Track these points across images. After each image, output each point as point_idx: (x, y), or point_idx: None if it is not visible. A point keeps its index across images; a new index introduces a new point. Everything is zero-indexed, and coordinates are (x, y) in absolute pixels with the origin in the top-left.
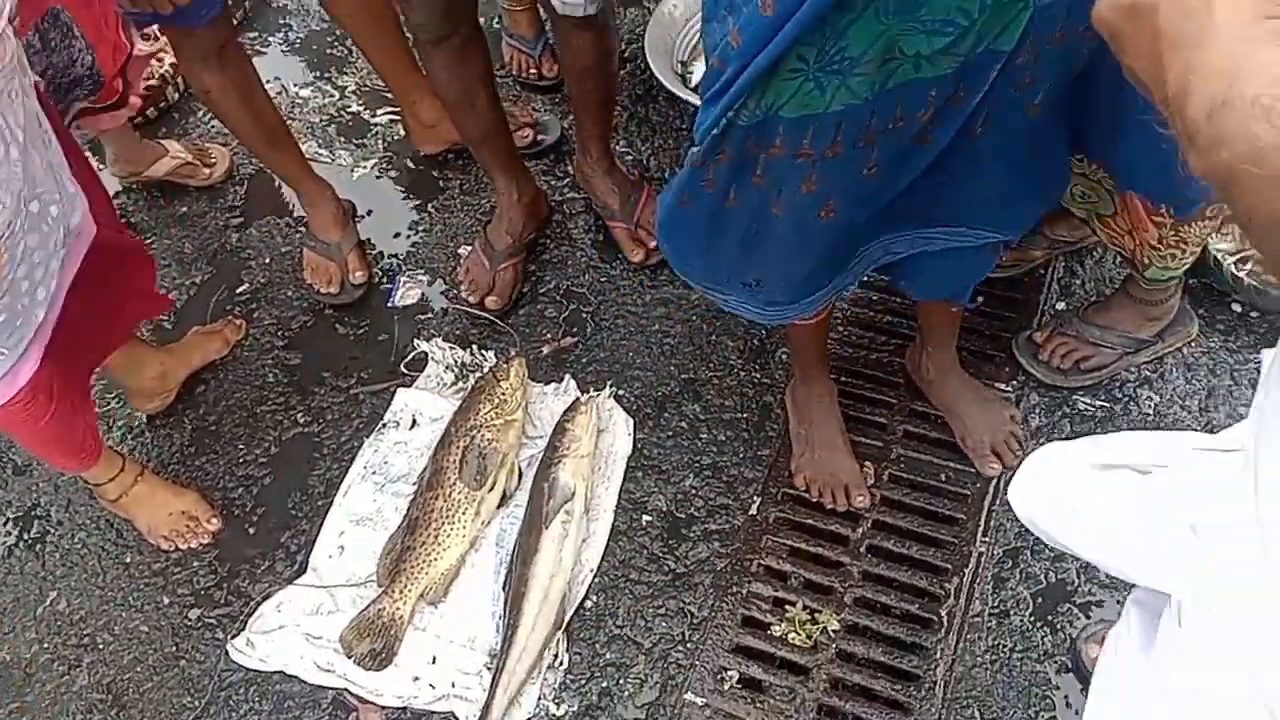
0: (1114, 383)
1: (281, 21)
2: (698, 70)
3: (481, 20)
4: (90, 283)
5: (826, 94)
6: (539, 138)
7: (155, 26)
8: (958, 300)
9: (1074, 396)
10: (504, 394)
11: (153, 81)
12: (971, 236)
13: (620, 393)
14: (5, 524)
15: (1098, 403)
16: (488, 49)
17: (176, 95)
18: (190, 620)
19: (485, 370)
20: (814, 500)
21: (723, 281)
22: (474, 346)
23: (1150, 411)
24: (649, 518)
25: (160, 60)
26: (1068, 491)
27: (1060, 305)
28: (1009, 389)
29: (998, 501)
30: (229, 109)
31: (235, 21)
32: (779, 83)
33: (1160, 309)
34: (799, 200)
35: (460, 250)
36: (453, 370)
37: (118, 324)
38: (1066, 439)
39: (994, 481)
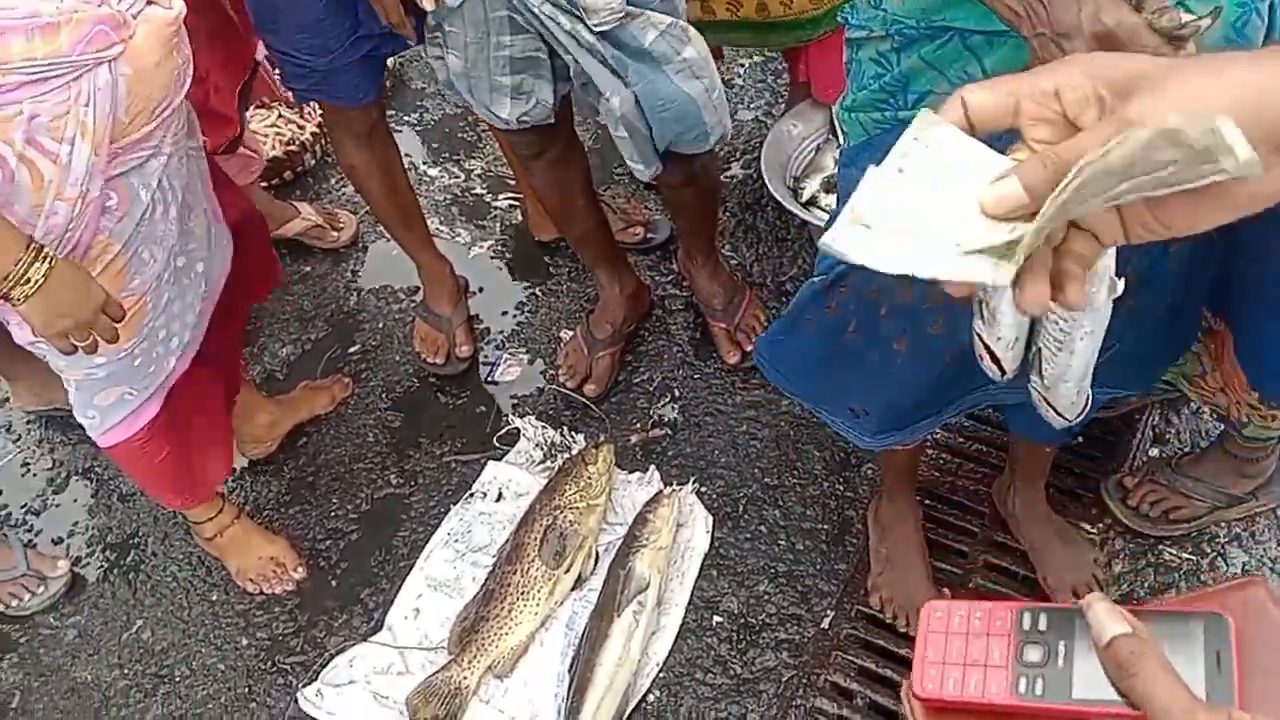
0: (1203, 536)
1: (418, 103)
2: (809, 186)
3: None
4: (220, 320)
5: None
6: (649, 236)
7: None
8: (1056, 441)
9: (1160, 546)
10: (590, 478)
11: (292, 148)
12: (1096, 392)
13: (702, 489)
14: (104, 549)
15: (1184, 555)
16: (585, 158)
17: (313, 161)
18: (265, 664)
19: (574, 452)
20: (888, 621)
21: (826, 404)
22: (565, 428)
23: (1238, 570)
24: (720, 618)
25: (302, 127)
26: None
27: (1154, 451)
28: (1094, 531)
29: None
30: (370, 186)
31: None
32: None
33: (1257, 467)
34: (926, 344)
35: (562, 334)
36: (542, 448)
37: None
38: (1150, 589)
39: None
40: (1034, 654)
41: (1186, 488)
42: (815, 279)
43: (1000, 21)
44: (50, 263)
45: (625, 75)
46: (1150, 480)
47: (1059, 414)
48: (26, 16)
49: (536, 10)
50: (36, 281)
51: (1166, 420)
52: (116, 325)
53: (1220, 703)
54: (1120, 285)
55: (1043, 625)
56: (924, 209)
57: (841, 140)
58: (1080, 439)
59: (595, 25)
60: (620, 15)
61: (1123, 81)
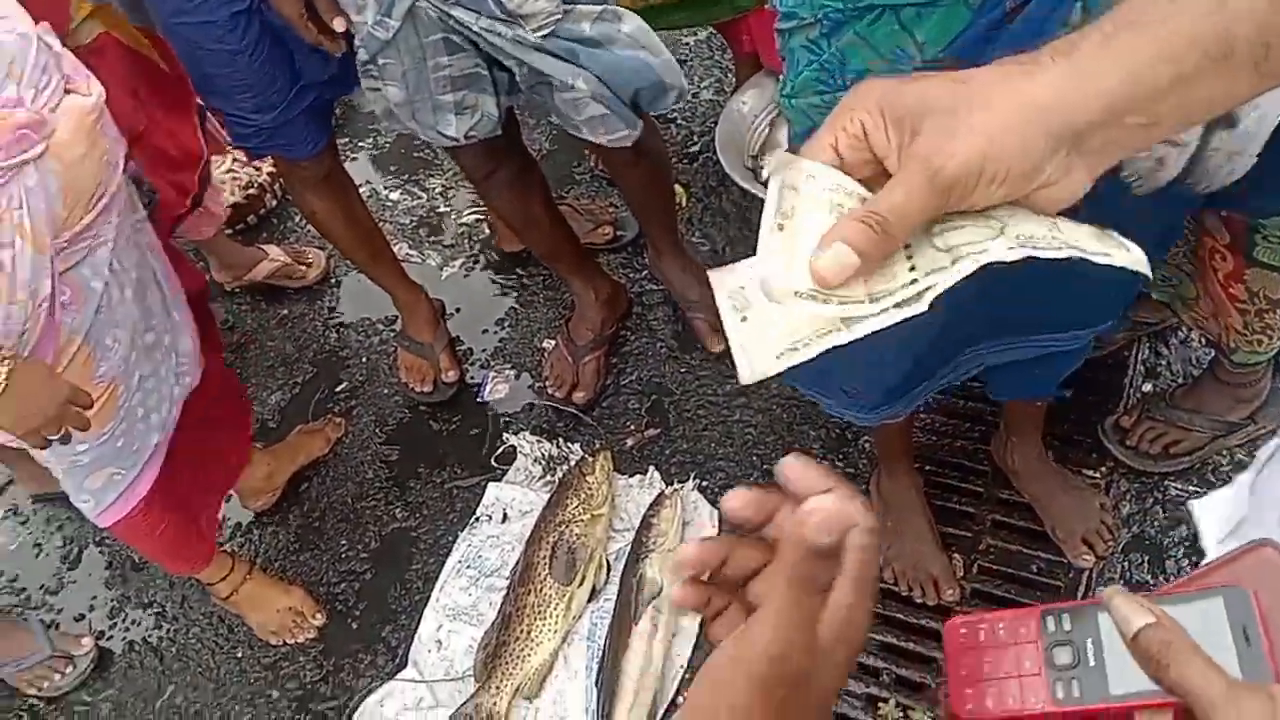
0: (1206, 466)
1: (370, 127)
2: (767, 162)
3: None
4: (204, 404)
5: None
6: (618, 234)
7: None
8: (1046, 396)
9: (1165, 482)
10: (590, 489)
11: (252, 191)
12: (1070, 339)
13: (704, 484)
14: (125, 620)
15: (1190, 488)
16: (539, 172)
17: (274, 202)
18: (299, 713)
19: (572, 464)
20: (903, 594)
21: (817, 387)
22: (560, 439)
23: None
24: None
25: (258, 169)
26: None
27: (1146, 388)
28: (1097, 475)
29: (1091, 593)
30: (333, 228)
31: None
32: None
33: (1250, 391)
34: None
35: (545, 344)
36: (540, 463)
37: (233, 450)
38: (1161, 527)
39: (1086, 573)
40: (1064, 656)
41: (1184, 420)
42: None
43: None
44: (9, 365)
45: (578, 60)
46: (1147, 417)
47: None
48: None
49: (475, 28)
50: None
51: (1156, 353)
52: (88, 413)
53: (1256, 678)
54: None
55: (1066, 626)
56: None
57: (788, 125)
58: (1069, 394)
59: (535, 30)
60: (557, 17)
61: (913, 111)
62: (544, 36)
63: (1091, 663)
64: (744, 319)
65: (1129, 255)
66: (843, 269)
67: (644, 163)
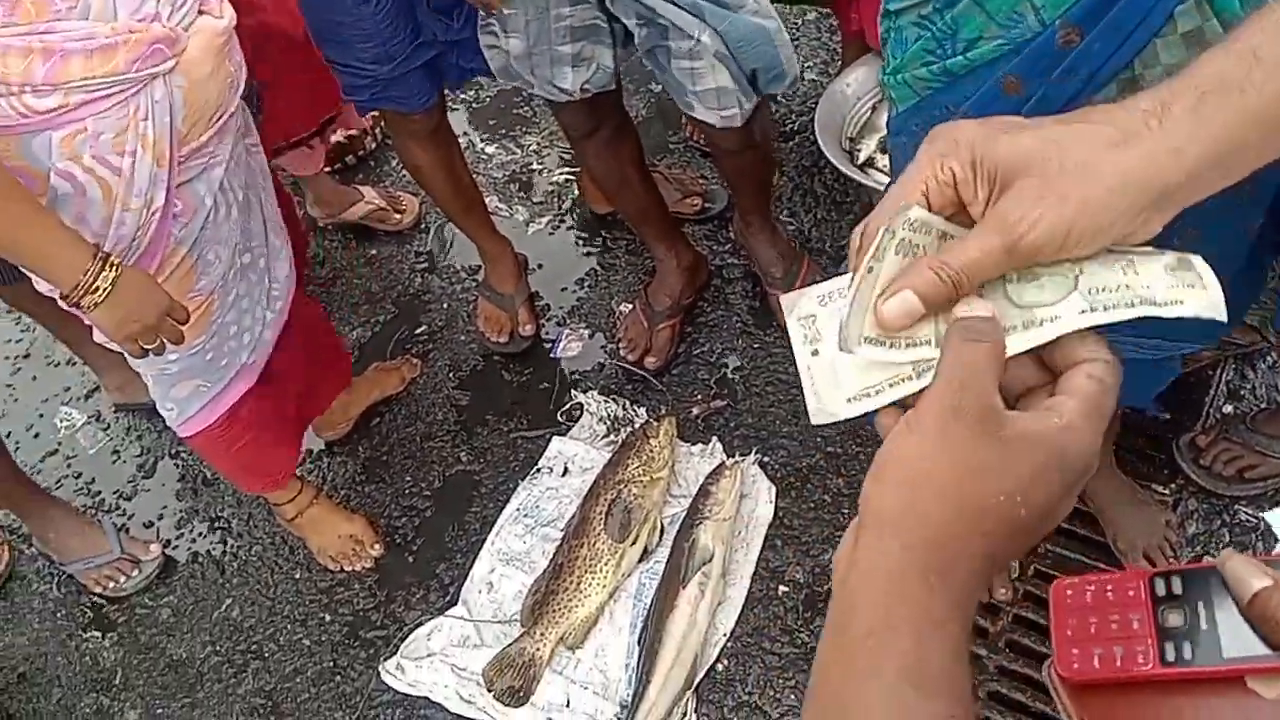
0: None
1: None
2: (865, 147)
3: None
4: (302, 331)
5: None
6: (706, 206)
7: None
8: (1126, 403)
9: (1235, 506)
10: (652, 451)
11: (353, 132)
12: (1168, 347)
13: (765, 460)
14: (191, 532)
15: (1260, 514)
16: (637, 135)
17: (374, 144)
18: (349, 639)
19: (636, 426)
20: None
21: None
22: (627, 402)
23: None
24: (785, 588)
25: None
26: None
27: (1227, 409)
28: (1166, 492)
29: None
30: (434, 182)
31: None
32: None
33: None
34: None
35: (621, 307)
36: (605, 423)
37: (323, 383)
38: (1224, 549)
39: None
40: (1175, 619)
41: (1262, 445)
42: None
43: None
44: (117, 270)
45: (704, 17)
46: (1224, 438)
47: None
48: (84, 38)
49: None
50: (104, 289)
51: (1241, 376)
52: (183, 327)
53: None
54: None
55: (1177, 588)
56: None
57: (889, 107)
58: (1152, 411)
59: None
60: None
61: (1005, 166)
62: None
63: (1204, 626)
64: (815, 352)
65: (1204, 299)
66: (906, 315)
67: (750, 152)
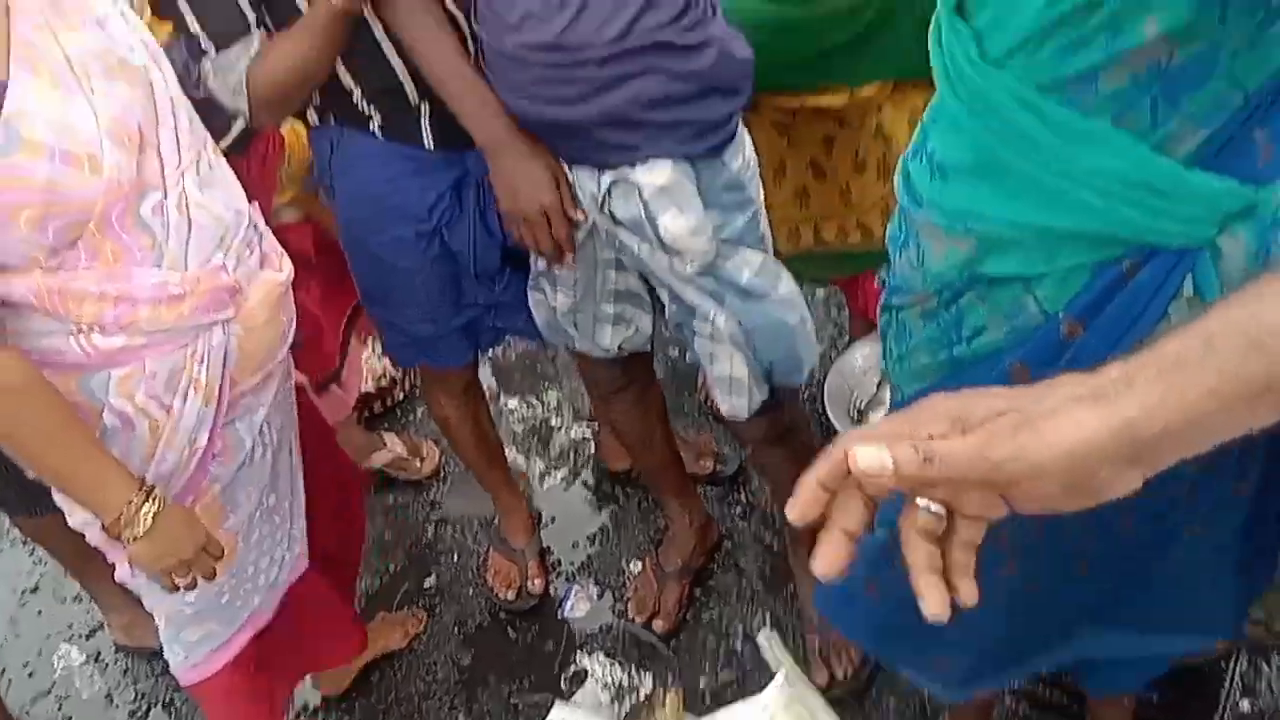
0: None
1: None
2: (873, 419)
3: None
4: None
5: None
6: (719, 468)
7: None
8: (1134, 692)
9: None
10: None
11: (384, 383)
12: (1181, 642)
13: None
14: None
15: None
16: (661, 392)
17: (402, 395)
18: None
19: (641, 696)
20: None
21: (903, 663)
22: (633, 666)
23: None
24: None
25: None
26: None
27: (1244, 705)
28: None
29: None
30: (461, 435)
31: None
32: None
33: None
34: (996, 584)
35: (632, 566)
36: (609, 690)
37: (324, 643)
38: None
39: None
40: None
41: None
42: (878, 531)
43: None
44: (159, 504)
45: (723, 302)
46: None
47: None
48: (155, 287)
49: (636, 251)
50: (146, 523)
51: (1256, 669)
52: (216, 563)
53: None
54: None
55: None
56: None
57: (892, 392)
58: (1155, 695)
59: (689, 265)
60: (711, 257)
61: (986, 418)
62: (698, 273)
63: None
64: None
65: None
66: (877, 465)
67: (783, 446)
